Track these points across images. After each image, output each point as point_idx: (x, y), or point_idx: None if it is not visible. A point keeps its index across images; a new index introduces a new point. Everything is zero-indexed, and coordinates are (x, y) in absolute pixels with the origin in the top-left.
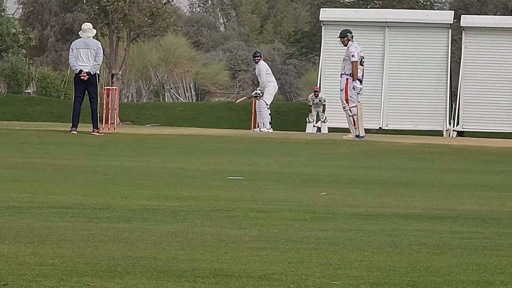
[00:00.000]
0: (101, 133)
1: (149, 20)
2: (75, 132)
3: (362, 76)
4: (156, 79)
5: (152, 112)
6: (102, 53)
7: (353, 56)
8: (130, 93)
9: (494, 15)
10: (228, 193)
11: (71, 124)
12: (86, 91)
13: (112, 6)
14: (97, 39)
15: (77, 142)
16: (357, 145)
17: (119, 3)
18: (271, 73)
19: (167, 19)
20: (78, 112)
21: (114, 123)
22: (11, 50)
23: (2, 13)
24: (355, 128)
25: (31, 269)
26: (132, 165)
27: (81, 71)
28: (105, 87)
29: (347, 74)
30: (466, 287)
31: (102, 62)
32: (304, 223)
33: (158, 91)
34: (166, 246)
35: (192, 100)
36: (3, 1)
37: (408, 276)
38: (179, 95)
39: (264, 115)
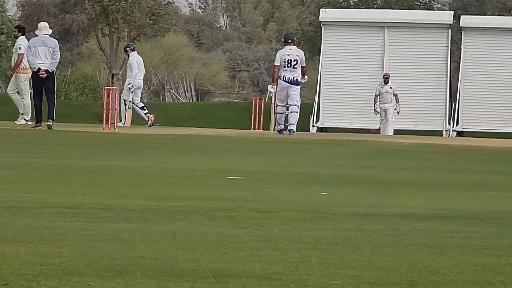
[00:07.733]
0: (41, 127)
1: (150, 21)
2: (41, 127)
3: (290, 77)
4: (156, 79)
5: (152, 112)
6: (59, 51)
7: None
8: None
9: (492, 15)
10: (228, 193)
11: (35, 121)
12: (43, 87)
13: (114, 6)
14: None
15: (77, 142)
16: (357, 145)
17: (121, 3)
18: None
19: (168, 20)
20: (40, 108)
21: (114, 123)
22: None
23: (3, 14)
24: (277, 124)
25: (32, 268)
26: (132, 165)
27: (39, 69)
28: (105, 87)
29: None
30: (465, 287)
31: (103, 62)
32: (304, 223)
33: (159, 91)
34: (166, 246)
35: (192, 100)
36: (4, 2)
37: (407, 276)
38: (179, 95)
39: None
